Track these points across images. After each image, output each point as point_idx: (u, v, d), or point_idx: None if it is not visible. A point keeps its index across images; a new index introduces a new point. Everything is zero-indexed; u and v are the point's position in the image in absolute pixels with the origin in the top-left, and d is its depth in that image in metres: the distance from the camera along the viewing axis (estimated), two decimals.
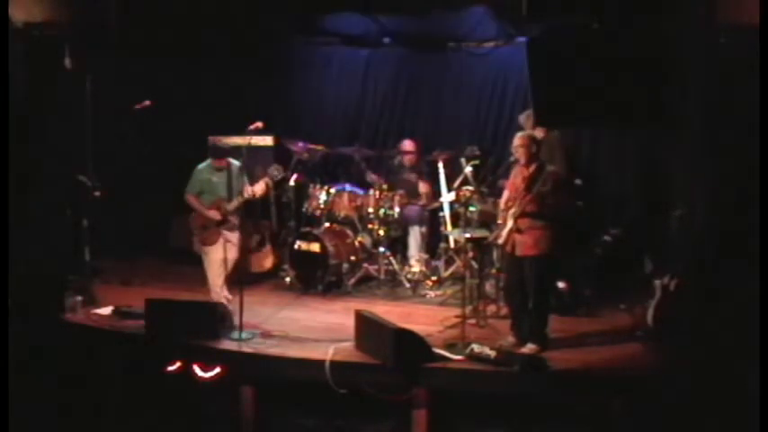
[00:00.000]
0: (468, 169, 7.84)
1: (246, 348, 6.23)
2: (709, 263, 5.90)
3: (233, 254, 7.15)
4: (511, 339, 6.35)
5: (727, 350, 5.58)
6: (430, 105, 9.38)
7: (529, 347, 6.15)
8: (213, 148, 7.25)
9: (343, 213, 8.31)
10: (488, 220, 7.31)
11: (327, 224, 8.27)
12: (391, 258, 8.21)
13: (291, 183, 8.52)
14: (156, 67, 8.64)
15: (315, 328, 6.73)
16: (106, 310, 7.01)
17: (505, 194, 6.43)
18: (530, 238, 6.13)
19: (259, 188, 7.16)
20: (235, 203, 7.11)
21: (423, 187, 8.47)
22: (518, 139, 6.32)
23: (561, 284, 7.25)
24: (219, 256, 7.18)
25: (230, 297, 7.07)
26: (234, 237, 7.19)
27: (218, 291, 7.21)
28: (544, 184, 6.07)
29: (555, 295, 7.01)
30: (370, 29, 9.34)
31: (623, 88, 6.26)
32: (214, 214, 7.16)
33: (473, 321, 6.75)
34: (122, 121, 8.13)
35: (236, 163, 7.21)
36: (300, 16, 9.28)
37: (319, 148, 8.67)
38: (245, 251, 7.62)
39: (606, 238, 7.74)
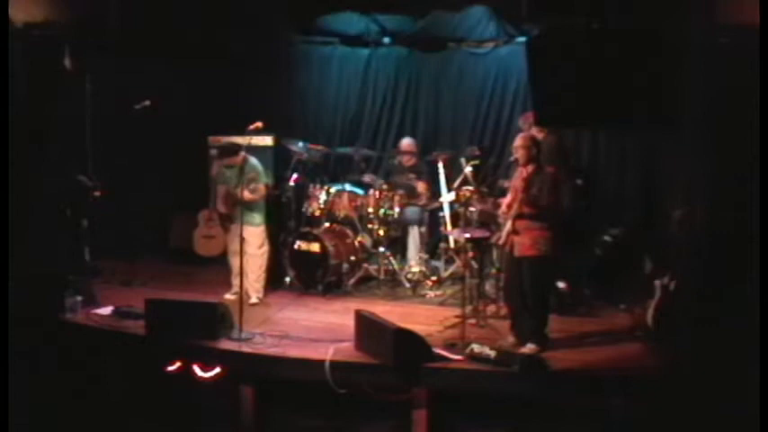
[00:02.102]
0: (468, 169, 7.85)
1: (246, 348, 6.23)
2: (710, 263, 5.89)
3: (249, 249, 7.28)
4: (511, 339, 6.35)
5: (727, 350, 5.57)
6: (430, 105, 9.40)
7: (529, 347, 6.15)
8: (218, 148, 7.36)
9: (343, 213, 8.31)
10: (488, 220, 7.31)
11: (327, 224, 8.27)
12: (391, 258, 8.21)
13: (291, 183, 8.53)
14: (156, 67, 8.63)
15: (315, 328, 6.72)
16: (106, 310, 7.01)
17: (509, 196, 6.43)
18: (527, 238, 6.13)
19: (247, 195, 7.25)
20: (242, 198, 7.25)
21: (420, 186, 8.45)
22: (519, 140, 6.33)
23: (561, 284, 7.26)
24: (231, 247, 7.40)
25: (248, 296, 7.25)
26: (246, 233, 7.22)
27: (232, 280, 7.34)
28: (539, 187, 6.08)
29: (555, 295, 7.01)
30: (370, 29, 9.35)
31: (623, 88, 6.26)
32: (220, 206, 7.47)
33: (473, 321, 6.75)
34: (122, 121, 8.12)
35: (252, 161, 7.39)
36: (300, 16, 9.28)
37: (319, 148, 8.68)
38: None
39: (606, 238, 7.74)
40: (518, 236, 6.16)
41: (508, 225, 6.21)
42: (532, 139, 6.33)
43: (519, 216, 6.14)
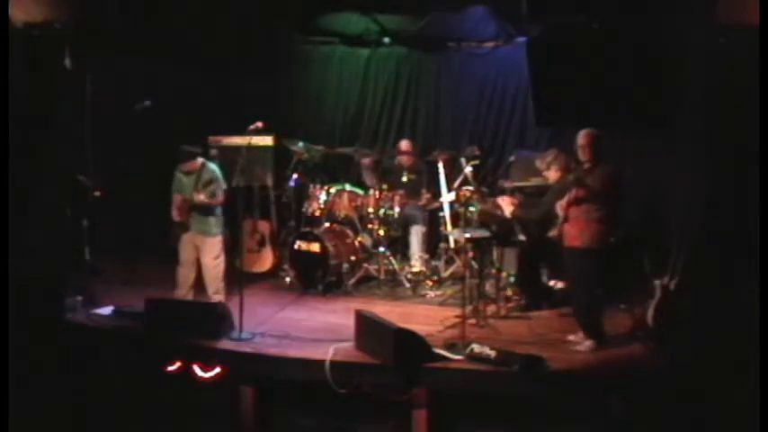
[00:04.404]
0: (468, 169, 7.85)
1: (246, 348, 6.23)
2: (710, 263, 5.89)
3: (205, 260, 7.20)
4: (580, 335, 6.33)
5: (726, 350, 5.58)
6: (430, 105, 9.41)
7: (585, 345, 6.16)
8: (179, 152, 7.26)
9: (343, 213, 8.31)
10: (488, 220, 7.30)
11: (327, 224, 8.27)
12: (391, 258, 8.21)
13: (291, 183, 8.53)
14: (156, 67, 8.63)
15: (315, 328, 6.72)
16: (106, 310, 7.01)
17: (571, 194, 6.26)
18: (575, 229, 6.10)
19: (201, 197, 7.13)
20: (195, 200, 7.14)
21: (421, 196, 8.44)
22: (581, 138, 6.14)
23: (560, 284, 7.27)
24: (182, 256, 7.26)
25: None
26: (203, 242, 7.18)
27: (183, 292, 7.21)
28: (596, 175, 6.02)
29: (552, 294, 7.04)
30: (370, 29, 9.35)
31: (623, 88, 6.26)
32: (175, 213, 7.26)
33: (473, 321, 6.75)
34: (122, 121, 8.12)
35: (210, 166, 7.25)
36: (300, 16, 9.28)
37: (319, 148, 8.68)
38: (231, 259, 7.51)
39: None
40: (567, 223, 6.14)
41: (562, 216, 6.18)
42: (593, 135, 6.15)
43: (573, 202, 6.08)
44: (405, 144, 8.75)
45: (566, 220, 6.15)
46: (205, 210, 7.15)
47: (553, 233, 6.51)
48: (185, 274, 7.24)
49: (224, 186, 7.22)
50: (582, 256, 6.12)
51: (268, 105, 8.94)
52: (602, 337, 6.22)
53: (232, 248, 7.52)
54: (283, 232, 8.75)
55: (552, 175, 6.65)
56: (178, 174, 7.31)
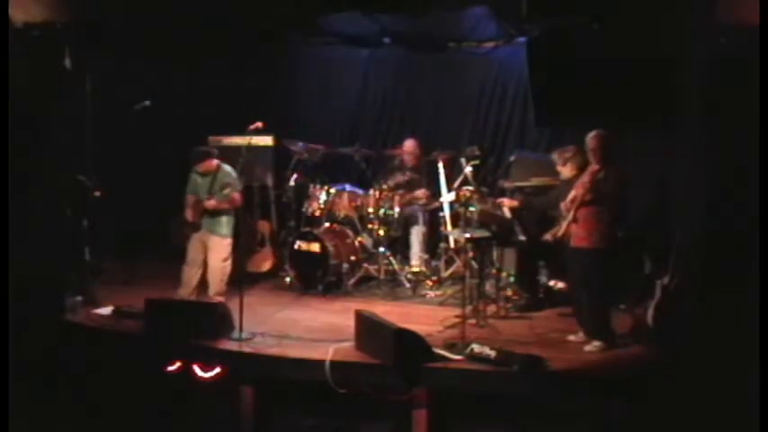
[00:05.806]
0: (468, 169, 7.85)
1: (246, 348, 6.23)
2: (709, 263, 5.90)
3: (212, 260, 7.21)
4: (581, 335, 6.33)
5: (727, 350, 5.57)
6: (430, 105, 9.40)
7: (594, 345, 6.17)
8: (192, 153, 7.27)
9: (343, 213, 8.31)
10: (488, 220, 7.31)
11: (327, 224, 8.27)
12: (391, 258, 8.21)
13: (291, 183, 8.53)
14: (156, 67, 8.63)
15: (315, 328, 6.72)
16: (106, 310, 7.01)
17: (572, 194, 6.28)
18: (583, 230, 6.12)
19: (212, 203, 7.15)
20: (206, 205, 7.15)
21: (421, 193, 8.44)
22: (591, 141, 6.16)
23: (560, 284, 7.27)
24: (190, 255, 7.26)
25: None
26: (211, 241, 7.19)
27: (187, 292, 7.21)
28: (606, 177, 6.03)
29: (552, 294, 7.03)
30: (370, 29, 9.34)
31: (623, 88, 6.27)
32: (188, 213, 7.27)
33: (473, 321, 6.75)
34: (122, 121, 8.12)
35: (226, 168, 7.25)
36: (300, 16, 9.28)
37: (319, 148, 8.68)
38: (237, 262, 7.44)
39: None
40: (576, 224, 6.14)
41: (570, 215, 6.17)
42: (603, 137, 6.15)
43: (582, 204, 6.09)
44: (410, 144, 8.72)
45: (574, 220, 6.15)
46: (217, 209, 7.18)
47: (551, 233, 6.52)
48: (191, 275, 7.23)
49: (239, 188, 7.22)
50: (588, 256, 6.14)
51: (268, 105, 8.94)
52: (612, 337, 6.22)
53: (233, 249, 7.52)
54: (283, 232, 8.74)
55: (567, 171, 6.64)
56: (193, 175, 7.33)
